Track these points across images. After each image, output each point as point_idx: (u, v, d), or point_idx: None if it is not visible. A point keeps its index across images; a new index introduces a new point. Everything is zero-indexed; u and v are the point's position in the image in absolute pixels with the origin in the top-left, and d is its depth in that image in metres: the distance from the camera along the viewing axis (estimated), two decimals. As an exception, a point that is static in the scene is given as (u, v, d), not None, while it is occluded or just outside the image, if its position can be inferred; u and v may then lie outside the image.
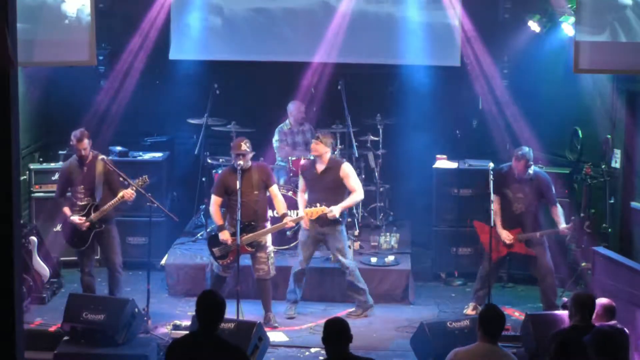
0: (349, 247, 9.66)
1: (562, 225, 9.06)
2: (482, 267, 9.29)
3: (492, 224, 8.81)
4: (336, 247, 9.24)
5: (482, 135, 11.31)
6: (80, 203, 8.95)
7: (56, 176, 10.25)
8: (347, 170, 9.24)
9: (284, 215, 9.04)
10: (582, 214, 9.80)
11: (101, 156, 8.98)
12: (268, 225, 9.10)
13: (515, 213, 9.10)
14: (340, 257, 9.23)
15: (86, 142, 8.91)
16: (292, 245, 10.26)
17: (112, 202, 8.85)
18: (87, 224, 8.88)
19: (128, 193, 8.80)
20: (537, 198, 9.14)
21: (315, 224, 9.13)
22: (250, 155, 8.98)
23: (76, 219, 8.88)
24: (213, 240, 9.12)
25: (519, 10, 10.91)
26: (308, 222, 9.12)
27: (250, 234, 8.87)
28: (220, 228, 9.03)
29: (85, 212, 8.91)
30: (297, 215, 9.35)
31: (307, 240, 9.26)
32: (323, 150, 9.19)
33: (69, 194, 9.11)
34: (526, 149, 9.16)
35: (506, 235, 9.05)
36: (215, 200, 9.08)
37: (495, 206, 9.04)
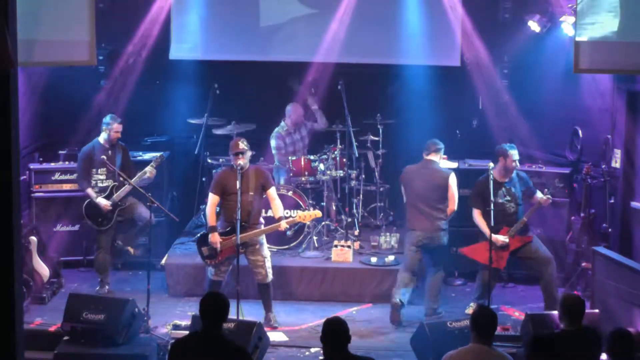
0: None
1: (539, 196, 9.18)
2: (482, 276, 9.20)
3: (491, 232, 8.82)
4: None
5: (482, 135, 11.30)
6: (101, 184, 9.55)
7: (56, 176, 10.48)
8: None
9: (280, 219, 8.98)
10: (582, 214, 9.80)
11: (102, 155, 9.40)
12: (261, 227, 9.02)
13: (509, 212, 9.09)
14: None
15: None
16: (292, 245, 10.28)
17: (134, 179, 9.42)
18: (110, 207, 9.49)
19: (151, 172, 9.56)
20: (521, 192, 9.21)
21: None
22: (249, 154, 8.95)
23: (102, 201, 9.50)
24: (202, 240, 9.08)
25: (519, 10, 10.91)
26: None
27: (241, 235, 8.72)
28: (212, 229, 8.95)
29: (107, 194, 9.51)
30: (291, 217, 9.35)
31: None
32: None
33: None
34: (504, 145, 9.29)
35: (502, 238, 9.03)
36: (213, 199, 8.99)
37: (478, 219, 9.11)
